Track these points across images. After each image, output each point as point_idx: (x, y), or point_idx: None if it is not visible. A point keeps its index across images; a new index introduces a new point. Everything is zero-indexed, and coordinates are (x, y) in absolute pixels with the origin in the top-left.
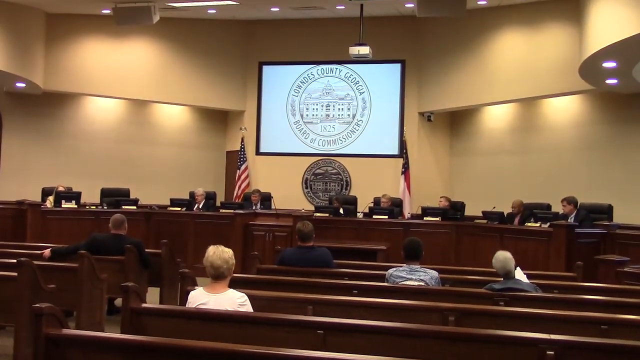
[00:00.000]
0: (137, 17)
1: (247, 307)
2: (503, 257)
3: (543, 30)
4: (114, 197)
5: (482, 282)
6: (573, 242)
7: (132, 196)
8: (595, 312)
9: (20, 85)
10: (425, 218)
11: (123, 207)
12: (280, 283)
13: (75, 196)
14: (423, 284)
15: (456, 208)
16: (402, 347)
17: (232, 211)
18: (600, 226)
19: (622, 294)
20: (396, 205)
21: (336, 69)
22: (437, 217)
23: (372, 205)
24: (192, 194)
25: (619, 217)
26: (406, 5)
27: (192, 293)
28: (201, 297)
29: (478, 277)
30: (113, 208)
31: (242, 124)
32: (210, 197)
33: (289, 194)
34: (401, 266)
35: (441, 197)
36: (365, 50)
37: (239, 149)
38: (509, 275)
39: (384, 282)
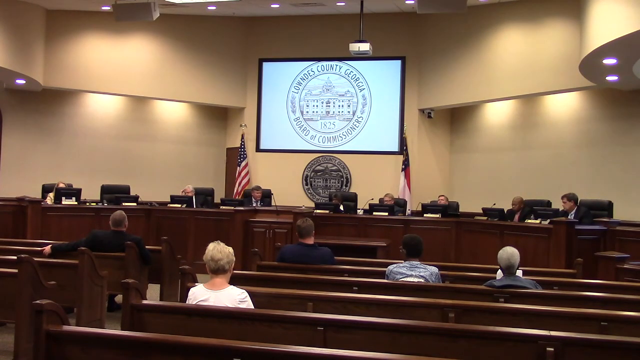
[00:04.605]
0: (137, 13)
1: (248, 304)
2: (511, 251)
3: (543, 27)
4: (114, 194)
5: (482, 278)
6: (573, 238)
7: (132, 193)
8: (595, 308)
9: (20, 82)
10: (425, 215)
11: (123, 204)
12: (281, 280)
13: (76, 193)
14: (423, 280)
15: (452, 208)
16: (403, 344)
17: (232, 208)
18: (600, 223)
19: (622, 290)
20: (400, 205)
21: (336, 65)
22: (437, 214)
23: (372, 201)
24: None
25: (619, 214)
26: (406, 2)
27: (192, 289)
28: (201, 294)
29: (478, 274)
30: (113, 205)
31: (242, 121)
32: (208, 193)
33: (289, 191)
34: (401, 262)
35: (440, 196)
36: (365, 47)
37: (239, 145)
38: (509, 270)
39: (383, 278)
